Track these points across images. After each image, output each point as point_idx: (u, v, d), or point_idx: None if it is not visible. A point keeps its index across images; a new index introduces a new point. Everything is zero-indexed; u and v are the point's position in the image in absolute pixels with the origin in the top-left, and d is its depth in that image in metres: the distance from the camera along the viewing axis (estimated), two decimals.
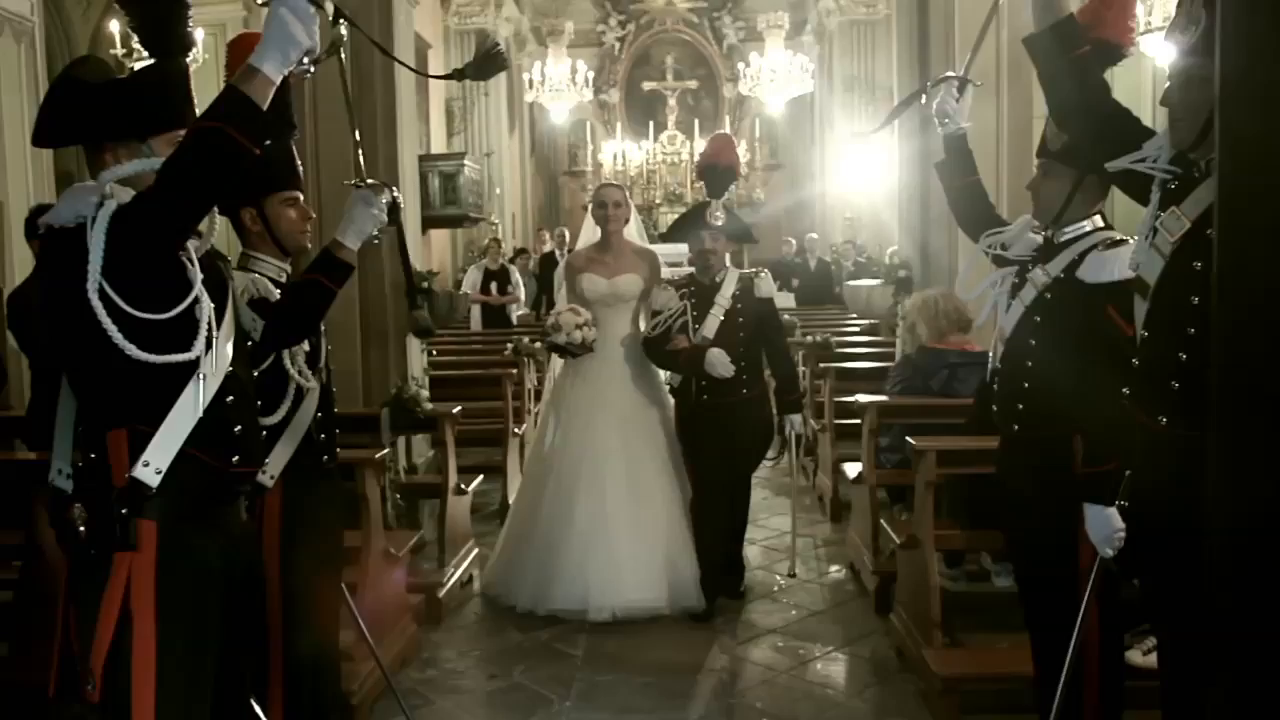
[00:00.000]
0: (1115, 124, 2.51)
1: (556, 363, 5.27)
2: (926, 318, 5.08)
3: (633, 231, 5.11)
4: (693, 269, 5.01)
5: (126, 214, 2.09)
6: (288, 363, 3.01)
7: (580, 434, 4.86)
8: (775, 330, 4.97)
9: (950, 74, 3.34)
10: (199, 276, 2.21)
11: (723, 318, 4.75)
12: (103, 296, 2.06)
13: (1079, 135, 2.69)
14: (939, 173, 3.44)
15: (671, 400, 5.02)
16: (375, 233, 2.95)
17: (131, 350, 2.08)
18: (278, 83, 2.17)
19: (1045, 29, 2.54)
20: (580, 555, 4.69)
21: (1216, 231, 1.33)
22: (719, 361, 4.65)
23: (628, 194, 5.15)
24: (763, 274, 4.92)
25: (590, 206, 5.13)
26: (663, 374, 5.03)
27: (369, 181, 2.95)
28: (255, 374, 2.82)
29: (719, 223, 4.77)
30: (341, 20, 2.74)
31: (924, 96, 3.36)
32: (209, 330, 2.18)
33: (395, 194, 2.95)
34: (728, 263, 4.92)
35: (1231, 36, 1.27)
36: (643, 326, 5.04)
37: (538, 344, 7.19)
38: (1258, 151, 1.22)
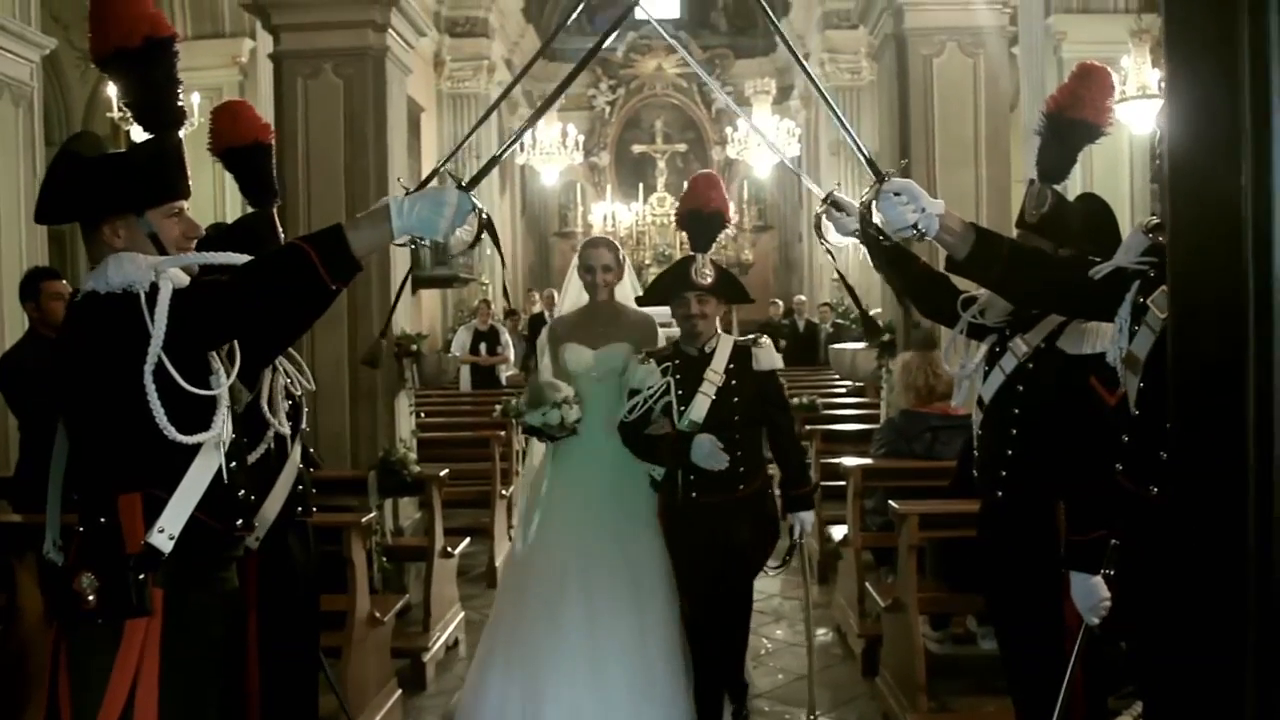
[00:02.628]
0: (1072, 272, 2.60)
1: (535, 449, 4.42)
2: (905, 382, 5.13)
3: (627, 292, 4.32)
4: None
5: (189, 299, 2.15)
6: (265, 408, 3.06)
7: (569, 539, 3.98)
8: (780, 410, 4.00)
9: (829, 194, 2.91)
10: (236, 362, 2.30)
11: (714, 396, 3.79)
12: (156, 373, 2.10)
13: (1062, 305, 2.80)
14: (885, 277, 3.30)
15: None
16: (418, 243, 2.41)
17: (170, 432, 2.12)
18: (389, 242, 2.31)
19: (966, 258, 2.53)
20: (576, 689, 3.81)
21: (1169, 295, 1.39)
22: (709, 451, 3.72)
23: (620, 251, 4.26)
24: (763, 341, 3.99)
25: (576, 266, 4.28)
26: (645, 466, 4.03)
27: (461, 182, 2.37)
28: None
29: (707, 281, 3.82)
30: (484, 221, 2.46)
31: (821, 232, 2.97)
32: (227, 407, 2.25)
33: (479, 205, 2.40)
34: (719, 328, 3.98)
35: (1177, 103, 1.34)
36: None
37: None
38: (1204, 218, 1.28)
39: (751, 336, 4.03)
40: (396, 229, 2.24)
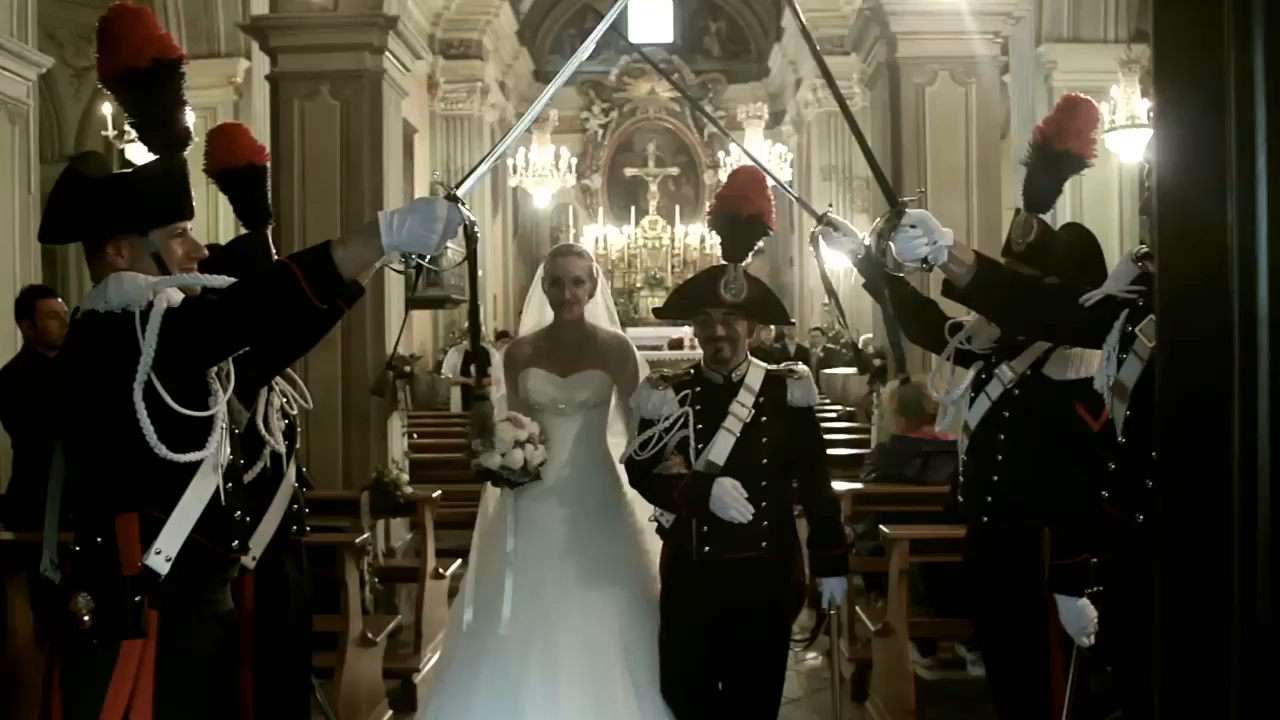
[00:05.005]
0: (1064, 300, 2.63)
1: (490, 494, 3.65)
2: (894, 408, 5.16)
3: (599, 309, 3.63)
4: (699, 360, 3.36)
5: (178, 319, 2.15)
6: (261, 426, 3.08)
7: (527, 606, 3.27)
8: (815, 455, 3.35)
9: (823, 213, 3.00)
10: (231, 383, 2.30)
11: (739, 434, 3.16)
12: (147, 391, 2.10)
13: (1053, 332, 2.81)
14: (879, 301, 3.14)
15: (654, 546, 3.42)
16: (408, 261, 2.35)
17: (161, 450, 2.11)
18: (379, 259, 2.28)
19: (968, 286, 2.54)
20: None
21: (1157, 325, 1.42)
22: (731, 499, 3.07)
23: (594, 262, 3.59)
24: (800, 370, 3.34)
25: (541, 278, 3.59)
26: (650, 510, 3.37)
27: (453, 193, 2.30)
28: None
29: (739, 297, 3.17)
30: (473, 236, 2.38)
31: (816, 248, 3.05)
32: (223, 428, 2.24)
33: (471, 220, 2.33)
34: (748, 354, 3.30)
35: (1165, 137, 1.38)
36: (611, 444, 3.54)
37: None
38: (1192, 250, 1.30)
39: (786, 366, 3.37)
40: (386, 245, 2.21)
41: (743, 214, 3.21)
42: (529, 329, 3.71)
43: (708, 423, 3.19)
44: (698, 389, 3.26)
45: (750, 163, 3.41)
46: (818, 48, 2.96)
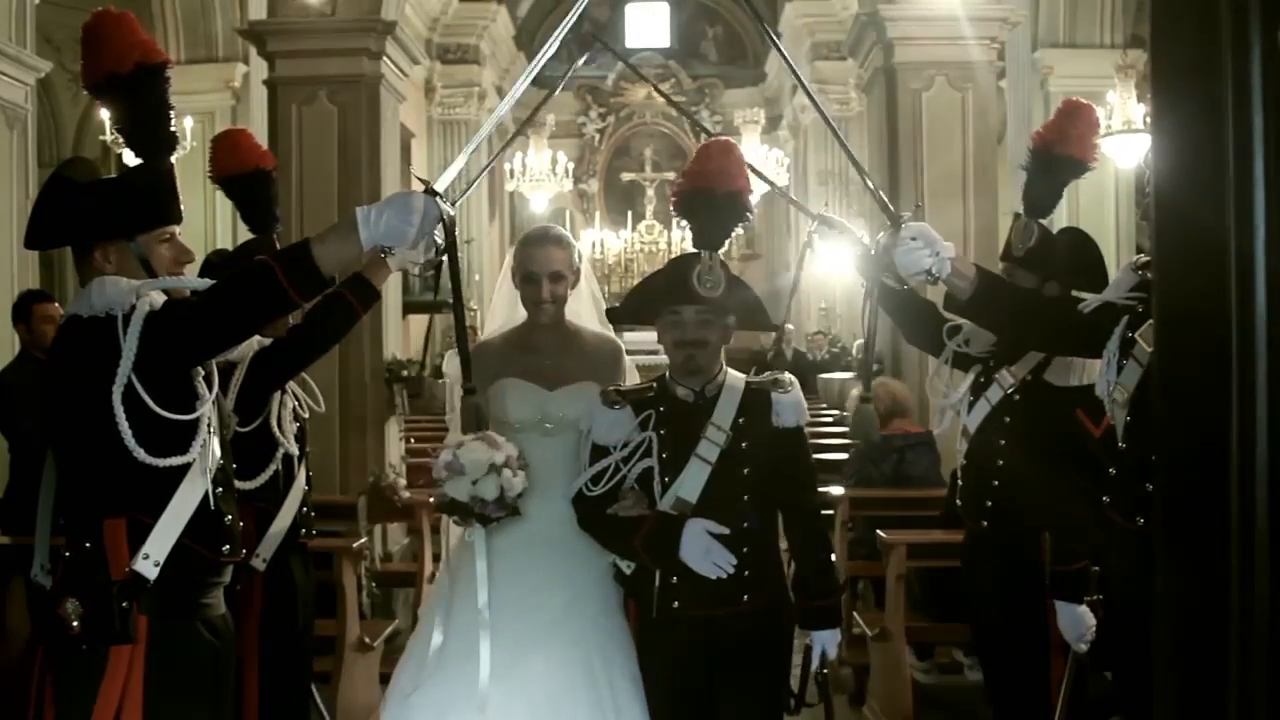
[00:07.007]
0: (1064, 312, 2.66)
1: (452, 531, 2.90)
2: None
3: (584, 304, 2.95)
4: (665, 373, 2.72)
5: (159, 320, 2.15)
6: (275, 428, 3.08)
7: (503, 667, 2.57)
8: (804, 486, 2.74)
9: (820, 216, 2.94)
10: (214, 386, 2.28)
11: (715, 463, 2.57)
12: (128, 394, 2.09)
13: (1058, 345, 2.81)
14: (881, 304, 2.99)
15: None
16: (407, 259, 2.36)
17: (140, 454, 2.10)
18: (359, 254, 2.29)
19: (969, 300, 2.54)
20: None
21: (1155, 329, 1.43)
22: (706, 545, 2.51)
23: (576, 250, 2.87)
24: (786, 383, 2.68)
25: (510, 268, 2.93)
26: (610, 557, 2.72)
27: (431, 187, 2.32)
28: (243, 430, 2.91)
29: (715, 292, 2.58)
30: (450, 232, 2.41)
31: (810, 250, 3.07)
32: (207, 432, 2.23)
33: (449, 214, 2.33)
34: (725, 364, 2.71)
35: (1162, 141, 1.38)
36: None
37: None
38: (1189, 254, 1.31)
39: (770, 376, 2.71)
40: (364, 239, 2.21)
41: (719, 191, 2.58)
42: (497, 329, 3.01)
43: (676, 450, 2.59)
44: (663, 408, 2.63)
45: (728, 148, 2.71)
46: (803, 78, 2.98)
